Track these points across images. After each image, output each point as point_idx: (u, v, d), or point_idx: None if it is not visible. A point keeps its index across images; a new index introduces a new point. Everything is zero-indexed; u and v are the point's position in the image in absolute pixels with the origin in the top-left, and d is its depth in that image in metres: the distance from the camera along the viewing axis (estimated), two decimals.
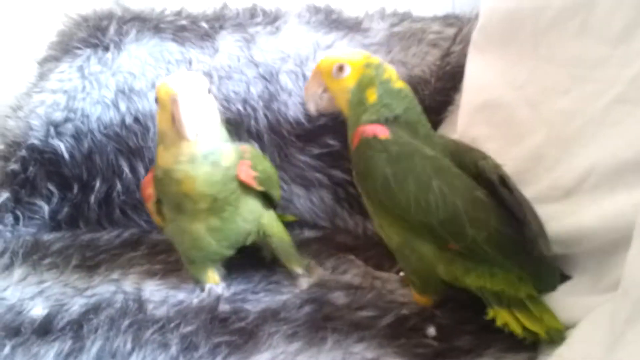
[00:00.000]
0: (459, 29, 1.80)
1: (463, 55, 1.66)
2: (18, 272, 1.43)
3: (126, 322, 1.13)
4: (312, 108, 1.32)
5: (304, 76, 1.75)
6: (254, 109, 1.77)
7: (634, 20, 1.06)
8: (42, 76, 1.87)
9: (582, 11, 1.17)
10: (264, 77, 1.79)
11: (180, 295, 1.30)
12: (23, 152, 1.77)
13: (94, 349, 1.05)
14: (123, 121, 1.79)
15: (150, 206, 1.29)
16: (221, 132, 1.22)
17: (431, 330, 1.09)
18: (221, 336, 1.10)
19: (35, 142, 1.78)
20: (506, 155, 1.28)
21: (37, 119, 1.79)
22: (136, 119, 1.79)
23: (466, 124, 1.51)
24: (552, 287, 1.09)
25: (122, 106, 1.79)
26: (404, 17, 1.90)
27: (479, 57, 1.54)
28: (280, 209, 1.76)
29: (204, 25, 1.87)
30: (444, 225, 1.09)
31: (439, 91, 1.74)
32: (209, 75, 1.79)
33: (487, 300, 1.10)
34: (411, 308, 1.19)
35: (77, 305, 1.25)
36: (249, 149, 1.32)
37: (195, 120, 1.12)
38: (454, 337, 1.09)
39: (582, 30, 1.17)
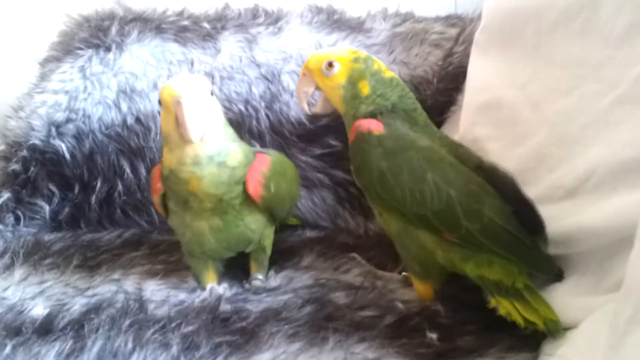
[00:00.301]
0: (462, 29, 1.80)
1: (465, 55, 1.67)
2: (19, 272, 1.43)
3: (127, 322, 1.12)
4: (306, 108, 1.33)
5: None
6: (256, 110, 1.77)
7: (637, 21, 1.06)
8: (43, 76, 1.87)
9: (585, 12, 1.17)
10: (265, 78, 1.79)
11: (181, 295, 1.30)
12: (24, 153, 1.77)
13: (95, 349, 1.05)
14: (124, 121, 1.79)
15: (156, 199, 1.30)
16: (226, 132, 1.21)
17: (433, 336, 1.09)
18: (222, 336, 1.09)
19: (37, 142, 1.78)
20: (508, 155, 1.28)
21: (39, 119, 1.79)
22: (138, 120, 1.79)
23: (468, 124, 1.50)
24: (549, 273, 1.11)
25: (124, 106, 1.79)
26: (407, 17, 1.91)
27: (482, 57, 1.54)
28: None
29: (206, 25, 1.87)
30: (439, 217, 1.11)
31: (441, 91, 1.74)
32: (210, 75, 1.79)
33: (487, 289, 1.11)
34: (413, 308, 1.18)
35: (78, 305, 1.25)
36: (273, 164, 1.30)
37: (199, 123, 1.12)
38: (456, 337, 1.08)
39: (585, 31, 1.16)
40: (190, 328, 1.11)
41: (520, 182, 1.14)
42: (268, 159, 1.30)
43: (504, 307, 1.07)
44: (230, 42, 1.84)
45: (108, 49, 1.83)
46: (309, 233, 1.70)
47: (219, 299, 1.24)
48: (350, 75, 1.24)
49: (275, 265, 1.44)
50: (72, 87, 1.80)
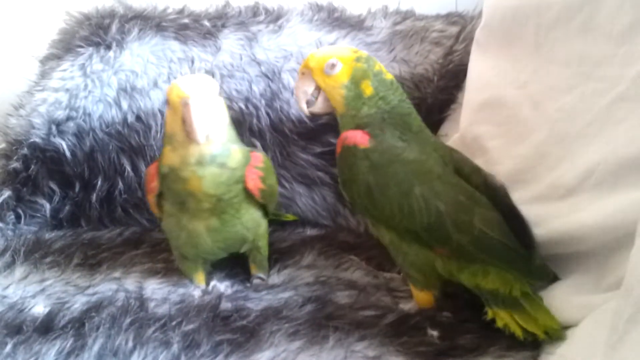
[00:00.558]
0: (462, 27, 1.80)
1: (466, 53, 1.67)
2: (20, 271, 1.42)
3: (128, 320, 1.13)
4: (305, 108, 1.30)
5: None
6: (256, 108, 1.77)
7: (638, 20, 1.06)
8: (44, 74, 1.87)
9: (585, 9, 1.17)
10: (266, 76, 1.79)
11: (182, 294, 1.30)
12: (25, 151, 1.77)
13: (96, 347, 1.05)
14: (125, 119, 1.78)
15: (152, 199, 1.30)
16: (229, 133, 1.22)
17: (434, 333, 1.09)
18: (223, 334, 1.09)
19: (37, 140, 1.77)
20: (509, 153, 1.29)
21: (39, 118, 1.78)
22: (138, 118, 1.78)
23: (469, 122, 1.51)
24: (543, 280, 1.11)
25: (124, 104, 1.79)
26: (407, 15, 1.90)
27: (482, 55, 1.54)
28: (282, 208, 1.76)
29: (206, 23, 1.87)
30: (429, 231, 1.10)
31: (441, 89, 1.74)
32: (211, 73, 1.78)
33: (484, 299, 1.10)
34: (413, 307, 1.19)
35: (78, 303, 1.25)
36: (264, 160, 1.32)
37: (206, 124, 1.13)
38: (456, 335, 1.08)
39: (586, 29, 1.16)
40: (190, 326, 1.11)
41: (520, 180, 1.14)
42: (261, 156, 1.32)
43: (502, 318, 1.07)
44: (230, 40, 1.83)
45: (108, 47, 1.82)
46: (310, 231, 1.70)
47: (220, 297, 1.24)
48: (353, 75, 1.22)
49: (276, 264, 1.44)
50: (73, 85, 1.80)
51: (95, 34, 1.84)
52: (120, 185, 1.77)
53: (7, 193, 1.75)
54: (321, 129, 1.76)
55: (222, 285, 1.33)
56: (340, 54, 1.24)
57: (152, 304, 1.23)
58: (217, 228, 1.27)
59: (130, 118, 1.78)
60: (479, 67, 1.55)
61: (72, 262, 1.47)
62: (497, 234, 1.07)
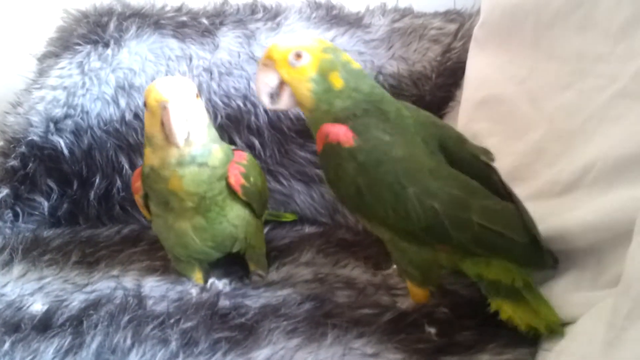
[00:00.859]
0: (460, 24, 1.80)
1: (464, 51, 1.67)
2: (18, 268, 1.43)
3: (126, 318, 1.13)
4: (267, 102, 1.20)
5: None
6: (255, 105, 1.77)
7: (636, 16, 1.05)
8: (41, 72, 1.87)
9: (584, 6, 1.17)
10: None
11: (180, 291, 1.30)
12: (23, 149, 1.77)
13: (94, 345, 1.05)
14: (123, 117, 1.79)
15: (138, 199, 1.31)
16: (209, 133, 1.21)
17: (431, 330, 1.09)
18: (221, 332, 1.09)
19: (35, 138, 1.77)
20: (507, 150, 1.28)
21: (37, 115, 1.78)
22: (136, 115, 1.78)
23: (467, 119, 1.51)
24: (545, 267, 1.09)
25: (122, 102, 1.79)
26: (405, 12, 1.90)
27: (480, 52, 1.54)
28: (280, 206, 1.76)
29: (205, 21, 1.87)
30: (427, 232, 1.06)
31: (440, 87, 1.74)
32: (209, 71, 1.79)
33: (487, 290, 1.09)
34: (412, 304, 1.18)
35: (77, 301, 1.25)
36: (248, 158, 1.32)
37: (185, 127, 1.13)
38: (454, 332, 1.08)
39: (584, 26, 1.16)
40: (189, 324, 1.11)
41: (518, 177, 1.14)
42: (245, 154, 1.32)
43: (505, 311, 1.05)
44: (228, 38, 1.83)
45: (106, 45, 1.82)
46: (308, 229, 1.70)
47: (218, 294, 1.24)
48: (320, 67, 1.13)
49: (275, 261, 1.44)
50: (71, 83, 1.80)
51: (93, 31, 1.85)
52: (118, 183, 1.77)
53: (5, 191, 1.75)
54: None
55: (220, 283, 1.32)
56: (306, 45, 1.15)
57: (150, 302, 1.23)
58: (203, 226, 1.28)
59: (128, 116, 1.79)
60: (477, 64, 1.55)
61: (70, 260, 1.47)
62: (498, 225, 1.04)
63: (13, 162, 1.76)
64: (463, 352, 1.03)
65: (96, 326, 1.10)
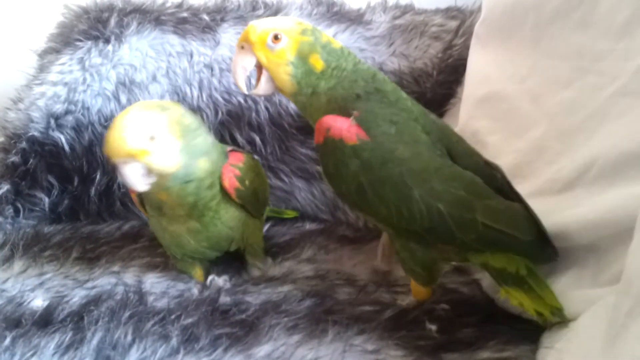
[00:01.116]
0: (462, 21, 1.80)
1: (465, 48, 1.67)
2: (18, 264, 1.43)
3: (127, 314, 1.13)
4: (243, 87, 1.18)
5: None
6: (255, 102, 1.77)
7: (637, 14, 1.05)
8: (42, 68, 1.87)
9: (584, 3, 1.17)
10: None
11: (181, 287, 1.30)
12: (23, 145, 1.77)
13: (95, 341, 1.05)
14: None
15: (134, 197, 1.32)
16: (188, 152, 1.15)
17: (432, 327, 1.09)
18: (222, 328, 1.09)
19: (36, 134, 1.77)
20: (508, 147, 1.29)
21: (38, 111, 1.79)
22: None
23: (468, 116, 1.50)
24: (548, 261, 1.08)
25: (123, 98, 1.79)
26: (406, 9, 1.90)
27: (481, 50, 1.54)
28: (281, 202, 1.77)
29: (205, 17, 1.87)
30: (431, 233, 1.05)
31: (441, 84, 1.74)
32: (210, 67, 1.79)
33: (493, 277, 1.08)
34: (413, 301, 1.18)
35: (77, 297, 1.25)
36: (245, 160, 1.30)
37: (142, 180, 1.11)
38: (455, 329, 1.09)
39: (585, 23, 1.16)
40: (189, 320, 1.11)
41: (519, 174, 1.14)
42: (242, 155, 1.30)
43: (515, 297, 1.04)
44: (229, 34, 1.83)
45: (107, 41, 1.82)
46: (309, 225, 1.71)
47: (219, 291, 1.25)
48: (299, 50, 1.10)
49: (276, 258, 1.45)
50: (71, 78, 1.80)
51: (94, 27, 1.85)
52: (119, 179, 1.77)
53: (5, 187, 1.75)
54: None
55: (220, 280, 1.32)
56: (284, 27, 1.12)
57: (151, 298, 1.23)
58: (197, 229, 1.28)
59: None
60: (478, 61, 1.55)
61: (71, 255, 1.48)
62: (502, 224, 1.03)
63: (14, 158, 1.76)
64: (464, 349, 1.03)
65: (97, 322, 1.10)
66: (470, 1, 1.89)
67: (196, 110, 1.77)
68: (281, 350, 1.03)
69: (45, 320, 1.14)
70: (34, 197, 1.78)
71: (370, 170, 1.05)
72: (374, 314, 1.14)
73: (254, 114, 1.76)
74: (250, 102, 1.77)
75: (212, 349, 1.04)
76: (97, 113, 1.79)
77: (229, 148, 1.32)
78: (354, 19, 1.85)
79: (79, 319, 1.13)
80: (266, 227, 1.56)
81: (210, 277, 1.34)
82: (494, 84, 1.42)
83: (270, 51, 1.11)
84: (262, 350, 1.03)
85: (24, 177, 1.78)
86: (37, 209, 1.79)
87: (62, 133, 1.78)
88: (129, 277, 1.35)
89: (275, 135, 1.77)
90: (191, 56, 1.81)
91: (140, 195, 1.28)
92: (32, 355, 1.03)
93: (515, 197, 1.09)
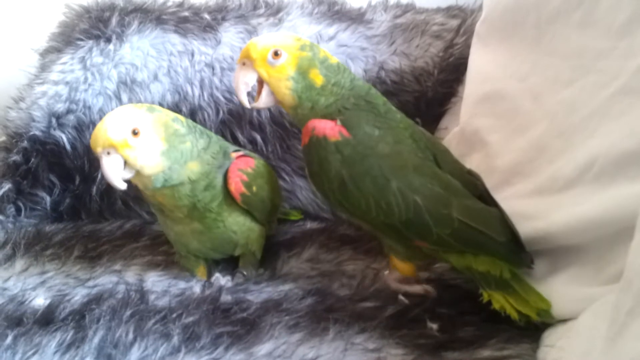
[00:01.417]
0: (463, 20, 1.80)
1: (466, 46, 1.67)
2: (20, 263, 1.43)
3: (128, 313, 1.13)
4: (246, 102, 1.22)
5: None
6: None
7: (638, 12, 1.05)
8: (43, 67, 1.87)
9: (585, 2, 1.16)
10: None
11: (182, 286, 1.30)
12: (25, 144, 1.77)
13: (96, 339, 1.05)
14: None
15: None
16: (170, 158, 1.16)
17: (433, 326, 1.09)
18: (223, 326, 1.09)
19: (37, 133, 1.77)
20: (509, 146, 1.29)
21: (39, 111, 1.79)
22: None
23: (469, 115, 1.50)
24: (521, 266, 1.11)
25: (124, 98, 1.79)
26: (407, 8, 1.90)
27: (482, 48, 1.54)
28: (283, 202, 1.76)
29: (207, 16, 1.87)
30: (408, 226, 1.09)
31: (442, 83, 1.74)
32: (211, 66, 1.79)
33: (476, 280, 1.11)
34: (413, 299, 1.18)
35: (79, 295, 1.25)
36: (256, 166, 1.30)
37: (120, 175, 1.14)
38: (456, 328, 1.09)
39: (586, 22, 1.16)
40: (191, 319, 1.11)
41: (520, 173, 1.14)
42: (253, 160, 1.31)
43: (497, 300, 1.07)
44: (230, 33, 1.83)
45: (108, 40, 1.82)
46: (310, 224, 1.70)
47: (220, 289, 1.25)
48: (299, 65, 1.15)
49: (277, 257, 1.45)
50: (73, 78, 1.80)
51: (95, 27, 1.84)
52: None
53: (7, 186, 1.75)
54: None
55: (223, 279, 1.32)
56: (283, 43, 1.16)
57: (152, 297, 1.23)
58: (200, 230, 1.29)
59: None
60: (479, 60, 1.55)
61: (72, 254, 1.48)
62: (478, 222, 1.08)
63: (15, 157, 1.76)
64: (465, 348, 1.03)
65: (98, 320, 1.10)
66: (471, 0, 1.89)
67: (197, 109, 1.77)
68: (282, 348, 1.03)
69: (46, 319, 1.14)
70: (35, 196, 1.78)
71: (351, 164, 1.10)
72: (375, 312, 1.14)
73: (255, 113, 1.76)
74: None
75: (214, 348, 1.04)
76: (99, 112, 1.79)
77: (240, 152, 1.32)
78: (355, 18, 1.85)
79: (80, 318, 1.13)
80: None
81: (215, 276, 1.34)
82: (495, 83, 1.42)
83: (271, 67, 1.15)
84: (263, 348, 1.03)
85: (25, 176, 1.78)
86: (39, 207, 1.79)
87: (63, 132, 1.78)
88: (130, 276, 1.36)
89: (276, 134, 1.77)
90: (192, 55, 1.81)
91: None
92: (34, 353, 1.03)
93: (493, 203, 1.14)
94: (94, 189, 1.77)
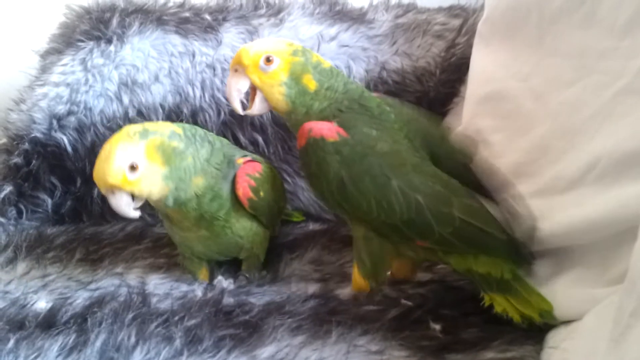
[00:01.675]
0: (464, 20, 1.80)
1: (468, 46, 1.66)
2: (22, 266, 1.43)
3: (130, 316, 1.12)
4: (239, 108, 1.21)
5: None
6: None
7: None
8: (44, 69, 1.87)
9: (587, 2, 1.16)
10: None
11: (184, 289, 1.30)
12: (26, 146, 1.77)
13: (98, 343, 1.05)
14: (126, 114, 1.78)
15: None
16: (173, 178, 1.16)
17: (436, 327, 1.09)
18: (225, 329, 1.09)
19: (38, 135, 1.77)
20: (511, 146, 1.28)
21: (40, 112, 1.78)
22: (139, 112, 1.78)
23: (471, 115, 1.50)
24: (523, 264, 1.11)
25: (125, 99, 1.79)
26: (409, 8, 1.90)
27: (484, 48, 1.54)
28: (287, 204, 1.76)
29: (207, 17, 1.86)
30: (409, 225, 1.08)
31: (443, 83, 1.74)
32: (212, 67, 1.79)
33: (477, 283, 1.11)
34: (416, 301, 1.18)
35: (81, 298, 1.25)
36: (263, 171, 1.30)
37: (131, 207, 1.15)
38: (459, 329, 1.08)
39: (588, 22, 1.16)
40: (193, 321, 1.11)
41: (523, 174, 1.14)
42: (260, 165, 1.30)
43: (499, 303, 1.07)
44: (231, 34, 1.83)
45: (109, 41, 1.82)
46: (312, 226, 1.70)
47: (222, 292, 1.24)
48: (292, 70, 1.15)
49: (280, 258, 1.45)
50: (74, 79, 1.80)
51: (96, 28, 1.84)
52: None
53: (8, 188, 1.75)
54: None
55: (225, 282, 1.32)
56: (275, 49, 1.16)
57: (154, 299, 1.22)
58: (207, 237, 1.29)
59: (132, 112, 1.78)
60: (481, 60, 1.55)
61: (74, 257, 1.48)
62: (478, 221, 1.08)
63: (16, 159, 1.76)
64: (468, 350, 1.03)
65: (100, 324, 1.10)
66: None
67: (198, 110, 1.77)
68: (285, 351, 1.03)
69: (48, 322, 1.14)
70: (36, 199, 1.78)
71: (351, 164, 1.09)
72: (378, 314, 1.13)
73: None
74: None
75: (216, 350, 1.04)
76: (100, 114, 1.79)
77: (247, 158, 1.31)
78: (357, 18, 1.85)
79: (82, 321, 1.12)
80: None
81: (217, 279, 1.34)
82: (497, 83, 1.42)
83: (264, 73, 1.15)
84: (266, 351, 1.03)
85: (26, 179, 1.77)
86: (40, 210, 1.79)
87: (64, 134, 1.77)
88: (132, 279, 1.36)
89: (277, 136, 1.77)
90: (193, 56, 1.80)
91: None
92: (36, 357, 1.03)
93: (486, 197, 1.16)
94: (96, 191, 1.76)
